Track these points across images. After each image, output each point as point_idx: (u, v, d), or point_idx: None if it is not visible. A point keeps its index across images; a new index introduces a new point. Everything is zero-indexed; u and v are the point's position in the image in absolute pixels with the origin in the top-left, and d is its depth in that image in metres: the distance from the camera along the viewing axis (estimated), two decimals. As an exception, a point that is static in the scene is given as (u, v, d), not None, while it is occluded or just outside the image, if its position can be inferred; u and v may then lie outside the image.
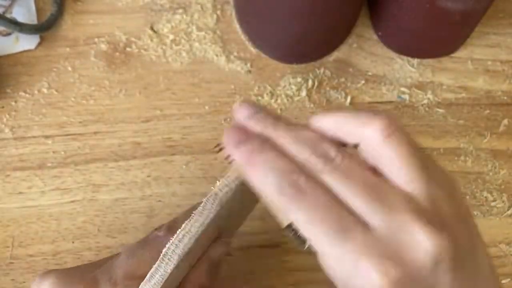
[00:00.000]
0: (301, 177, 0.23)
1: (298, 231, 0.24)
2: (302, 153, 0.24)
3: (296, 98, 0.48)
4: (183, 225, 0.28)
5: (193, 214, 0.28)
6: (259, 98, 0.48)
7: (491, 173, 0.48)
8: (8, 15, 0.48)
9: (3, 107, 0.47)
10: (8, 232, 0.44)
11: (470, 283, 0.24)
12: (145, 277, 0.28)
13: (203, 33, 0.50)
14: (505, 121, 0.49)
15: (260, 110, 0.27)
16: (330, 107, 0.48)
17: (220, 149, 0.27)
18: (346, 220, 0.23)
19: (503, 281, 0.45)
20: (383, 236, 0.23)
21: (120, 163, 0.46)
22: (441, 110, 0.49)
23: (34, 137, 0.46)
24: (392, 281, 0.22)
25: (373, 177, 0.24)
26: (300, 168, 0.24)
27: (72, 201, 0.44)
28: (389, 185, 0.24)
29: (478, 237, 0.26)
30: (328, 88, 0.49)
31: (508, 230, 0.47)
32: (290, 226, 0.25)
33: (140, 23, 0.50)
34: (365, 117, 0.24)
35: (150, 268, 0.28)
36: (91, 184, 0.45)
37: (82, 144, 0.46)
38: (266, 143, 0.25)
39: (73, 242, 0.44)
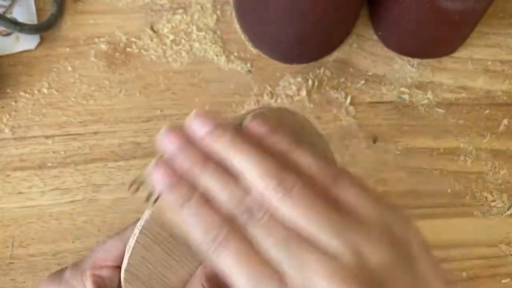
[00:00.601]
0: (222, 233, 0.23)
1: None
2: (227, 204, 0.24)
3: (296, 98, 0.48)
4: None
5: None
6: (259, 98, 0.48)
7: (491, 173, 0.48)
8: (8, 15, 0.48)
9: (3, 107, 0.47)
10: (8, 232, 0.44)
11: None
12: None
13: (203, 33, 0.50)
14: (505, 121, 0.49)
15: (187, 144, 0.25)
16: (330, 106, 0.48)
17: (137, 189, 0.27)
18: (262, 276, 0.22)
19: (503, 281, 0.45)
20: None
21: (120, 163, 0.46)
22: (441, 110, 0.49)
23: (34, 137, 0.46)
24: None
25: (294, 232, 0.23)
26: (223, 220, 0.24)
27: (72, 201, 0.44)
28: (310, 243, 0.23)
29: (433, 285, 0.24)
30: (328, 88, 0.49)
31: (508, 230, 0.47)
32: None
33: (140, 23, 0.50)
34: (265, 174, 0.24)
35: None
36: (91, 184, 0.45)
37: (82, 144, 0.46)
38: (192, 190, 0.25)
39: (73, 242, 0.44)
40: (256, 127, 0.26)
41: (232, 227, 0.24)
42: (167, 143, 0.25)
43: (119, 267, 0.30)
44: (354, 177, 0.25)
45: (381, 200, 0.25)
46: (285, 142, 0.26)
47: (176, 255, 0.30)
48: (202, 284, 0.29)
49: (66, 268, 0.33)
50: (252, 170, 0.24)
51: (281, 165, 0.24)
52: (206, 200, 0.24)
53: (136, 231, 0.28)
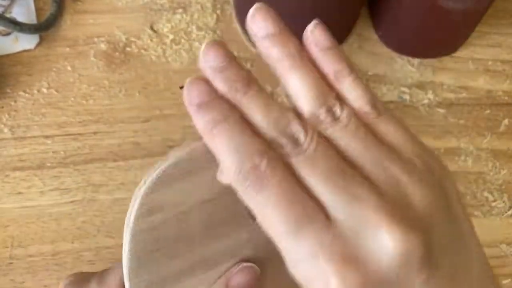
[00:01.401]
0: (264, 160, 0.20)
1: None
2: (270, 131, 0.21)
3: (296, 98, 0.48)
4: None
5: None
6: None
7: (491, 173, 0.48)
8: (7, 15, 0.48)
9: (2, 107, 0.47)
10: (8, 232, 0.43)
11: (451, 284, 0.21)
12: None
13: (203, 32, 0.50)
14: (506, 121, 0.49)
15: (231, 60, 0.23)
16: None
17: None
18: (306, 211, 0.20)
19: (504, 282, 0.45)
20: (345, 233, 0.20)
21: (120, 163, 0.45)
22: (441, 110, 0.49)
23: (33, 137, 0.46)
24: (351, 287, 0.19)
25: (342, 163, 0.21)
26: (264, 147, 0.21)
27: (72, 201, 0.44)
28: (359, 173, 0.21)
29: (468, 234, 0.23)
30: (328, 88, 0.49)
31: (508, 230, 0.46)
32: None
33: (140, 23, 0.50)
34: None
35: None
36: (91, 184, 0.45)
37: (81, 144, 0.46)
38: (231, 112, 0.22)
39: (72, 242, 0.43)
40: (320, 38, 0.24)
41: (274, 157, 0.21)
42: (211, 56, 0.23)
43: None
44: (398, 117, 0.24)
45: (421, 142, 0.24)
46: (343, 63, 0.24)
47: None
48: None
49: (90, 275, 0.31)
50: (304, 92, 0.23)
51: (332, 90, 0.23)
52: (245, 125, 0.22)
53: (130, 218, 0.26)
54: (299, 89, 0.23)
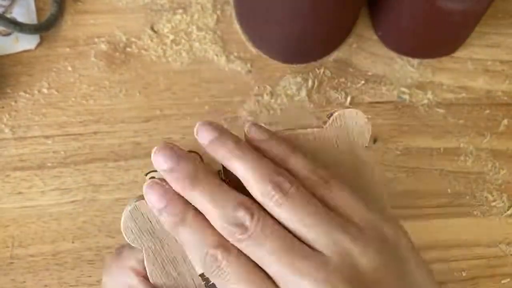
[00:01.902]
0: (218, 252, 0.24)
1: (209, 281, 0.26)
2: (220, 221, 0.24)
3: (296, 98, 0.48)
4: None
5: None
6: (259, 98, 0.48)
7: (491, 173, 0.48)
8: (8, 15, 0.48)
9: (3, 107, 0.47)
10: (8, 232, 0.44)
11: None
12: None
13: (203, 33, 0.50)
14: (505, 121, 0.49)
15: (178, 160, 0.26)
16: (331, 107, 0.48)
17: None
18: None
19: (503, 281, 0.45)
20: None
21: (120, 163, 0.46)
22: (441, 110, 0.49)
23: (34, 137, 0.46)
24: None
25: (289, 239, 0.24)
26: (218, 238, 0.24)
27: (72, 201, 0.44)
28: (305, 246, 0.23)
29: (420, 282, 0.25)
30: (328, 88, 0.49)
31: (508, 230, 0.47)
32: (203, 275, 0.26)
33: (140, 23, 0.50)
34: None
35: None
36: (91, 184, 0.45)
37: (82, 144, 0.46)
38: (187, 210, 0.25)
39: (73, 242, 0.44)
40: (255, 133, 0.27)
41: (227, 246, 0.24)
42: (160, 161, 0.26)
43: None
44: (344, 183, 0.26)
45: (369, 205, 0.26)
46: (281, 147, 0.27)
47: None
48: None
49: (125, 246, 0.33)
50: (250, 176, 0.25)
51: (277, 169, 0.25)
52: (200, 220, 0.25)
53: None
54: (245, 174, 0.25)
